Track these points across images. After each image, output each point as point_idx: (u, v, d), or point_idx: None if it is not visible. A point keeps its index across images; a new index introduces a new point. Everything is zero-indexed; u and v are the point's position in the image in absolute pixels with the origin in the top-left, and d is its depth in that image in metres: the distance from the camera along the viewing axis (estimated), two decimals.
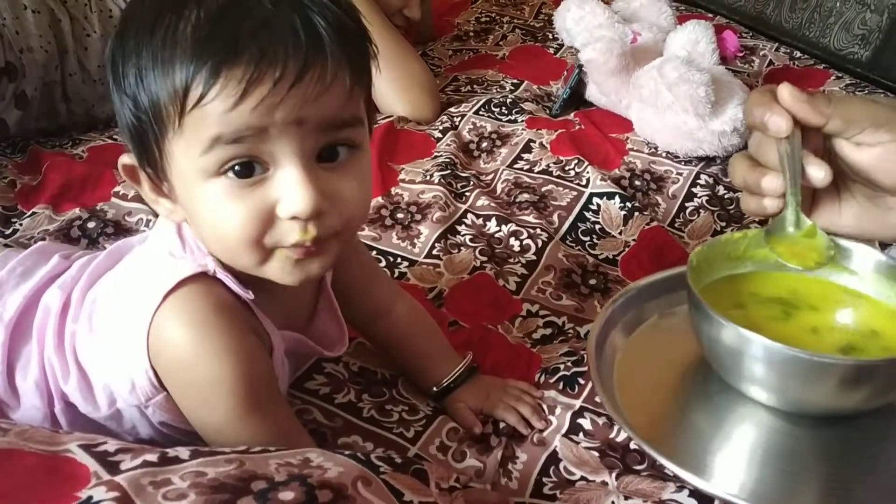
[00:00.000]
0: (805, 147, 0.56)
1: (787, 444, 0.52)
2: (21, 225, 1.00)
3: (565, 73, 1.50)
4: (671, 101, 1.20)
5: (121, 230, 1.01)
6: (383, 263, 0.99)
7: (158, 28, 0.53)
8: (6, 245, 0.93)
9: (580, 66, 1.34)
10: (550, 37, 1.73)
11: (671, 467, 0.50)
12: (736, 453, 0.54)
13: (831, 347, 0.52)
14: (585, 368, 0.82)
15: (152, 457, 0.52)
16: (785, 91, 0.56)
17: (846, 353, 0.51)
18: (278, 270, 0.58)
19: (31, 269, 0.71)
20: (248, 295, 0.60)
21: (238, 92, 0.51)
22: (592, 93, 1.38)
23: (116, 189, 1.07)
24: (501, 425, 0.77)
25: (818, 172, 0.55)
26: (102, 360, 0.64)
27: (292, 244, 0.56)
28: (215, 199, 0.55)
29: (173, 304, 0.58)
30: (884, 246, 1.01)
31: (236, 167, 0.54)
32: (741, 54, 1.49)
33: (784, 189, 0.56)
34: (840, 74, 1.48)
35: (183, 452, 0.53)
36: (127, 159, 0.60)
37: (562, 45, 1.67)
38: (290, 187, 0.54)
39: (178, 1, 0.53)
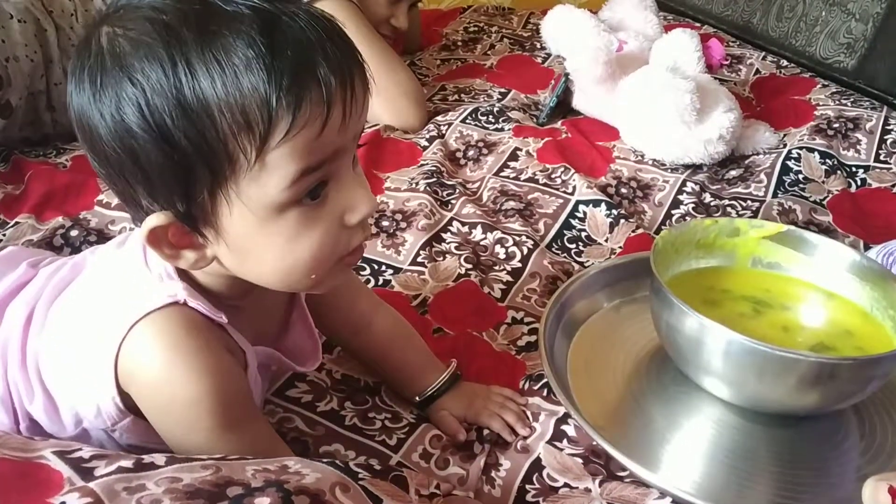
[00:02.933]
0: None
1: (743, 441, 0.51)
2: (5, 235, 0.99)
3: (552, 81, 1.51)
4: (657, 109, 1.20)
5: (104, 238, 1.00)
6: (368, 271, 0.98)
7: (198, 45, 0.48)
8: None
9: (566, 75, 1.34)
10: (538, 46, 1.74)
11: (620, 459, 0.49)
12: (689, 448, 0.52)
13: (803, 346, 0.51)
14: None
15: (127, 463, 0.51)
16: None
17: (818, 352, 0.50)
18: (334, 278, 0.59)
19: None
20: (221, 319, 0.59)
21: (321, 117, 0.50)
22: (579, 101, 1.39)
23: (100, 197, 1.07)
24: (485, 432, 0.77)
25: None
26: (67, 382, 0.62)
27: (357, 246, 0.58)
28: (291, 229, 0.54)
29: (143, 332, 0.56)
30: (866, 247, 1.01)
31: (311, 192, 0.53)
32: (727, 62, 1.50)
33: None
34: (826, 83, 1.49)
35: (159, 458, 0.53)
36: (159, 220, 0.53)
37: (549, 55, 1.68)
38: (355, 195, 0.56)
39: (205, 15, 0.49)
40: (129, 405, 0.59)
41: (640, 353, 0.55)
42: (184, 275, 0.59)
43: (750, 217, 1.12)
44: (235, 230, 0.54)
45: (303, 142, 0.50)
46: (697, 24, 1.83)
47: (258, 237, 0.54)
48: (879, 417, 0.51)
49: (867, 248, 1.05)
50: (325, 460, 0.58)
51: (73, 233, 1.00)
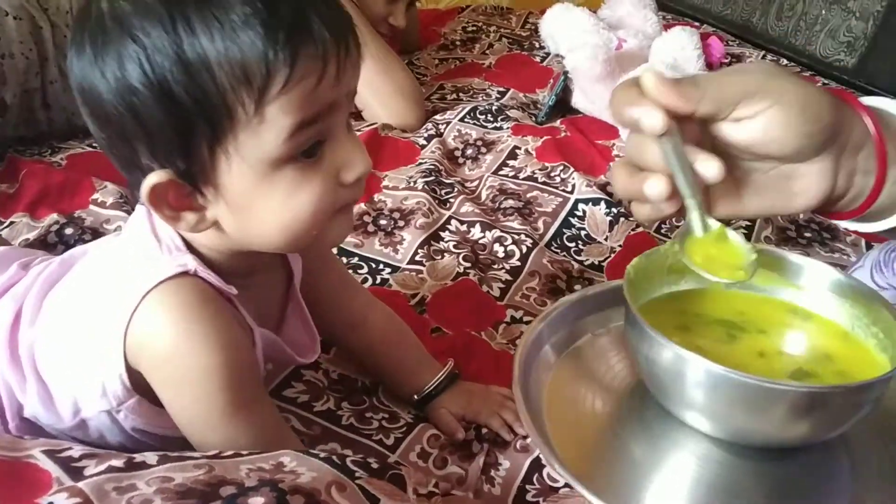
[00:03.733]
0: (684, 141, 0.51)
1: (730, 477, 0.47)
2: (0, 234, 0.98)
3: (551, 80, 1.50)
4: None
5: (98, 237, 0.99)
6: (365, 270, 0.98)
7: (197, 3, 0.49)
8: None
9: (566, 73, 1.33)
10: (537, 45, 1.73)
11: None
12: (674, 488, 0.48)
13: (781, 373, 0.47)
14: None
15: (118, 462, 0.50)
16: (648, 79, 0.50)
17: (797, 379, 0.46)
18: (337, 229, 0.59)
19: None
20: (231, 290, 0.59)
21: (318, 71, 0.51)
22: (578, 99, 1.38)
23: (95, 196, 1.06)
24: (484, 431, 0.76)
25: (709, 168, 0.50)
26: (68, 366, 0.62)
27: (353, 200, 0.59)
28: (289, 184, 0.54)
29: (156, 300, 0.56)
30: (868, 246, 1.01)
31: (308, 148, 0.54)
32: (726, 60, 1.49)
33: (669, 191, 0.50)
34: (826, 82, 1.48)
35: (150, 458, 0.52)
36: (160, 177, 0.53)
37: (548, 54, 1.67)
38: (351, 153, 0.56)
39: None
40: (136, 384, 0.59)
41: (620, 386, 0.51)
42: (192, 249, 0.59)
43: (746, 223, 1.11)
44: (234, 187, 0.54)
45: (299, 95, 0.51)
46: (697, 24, 1.82)
47: (256, 193, 0.55)
48: (867, 441, 0.49)
49: (868, 246, 1.04)
50: (322, 455, 0.57)
51: (68, 231, 0.99)
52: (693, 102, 0.50)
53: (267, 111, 0.51)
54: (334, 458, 0.57)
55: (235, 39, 0.49)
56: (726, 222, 0.52)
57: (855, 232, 0.59)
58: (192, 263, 0.57)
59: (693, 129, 0.53)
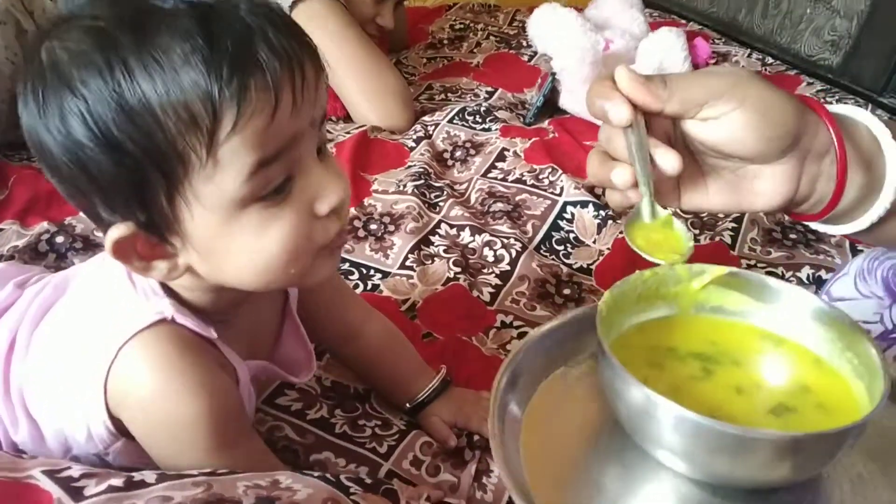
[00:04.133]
0: (654, 134, 0.54)
1: None
2: None
3: (539, 80, 1.51)
4: None
5: (89, 245, 1.00)
6: (356, 276, 0.98)
7: (135, 48, 0.47)
8: None
9: (553, 75, 1.34)
10: (524, 44, 1.74)
11: None
12: None
13: (761, 409, 0.46)
14: None
15: (118, 481, 0.51)
16: (621, 76, 0.54)
17: (778, 415, 0.46)
18: (321, 269, 0.57)
19: None
20: (210, 334, 0.58)
21: (270, 104, 0.48)
22: (566, 100, 1.39)
23: None
24: (476, 438, 0.77)
25: (667, 161, 0.53)
26: (55, 408, 0.61)
27: (335, 235, 0.56)
28: (257, 225, 0.52)
29: (133, 352, 0.55)
30: (853, 250, 1.02)
31: (275, 187, 0.52)
32: (713, 61, 1.50)
33: (633, 180, 0.53)
34: (811, 80, 1.49)
35: (149, 476, 0.52)
36: (121, 231, 0.51)
37: (535, 53, 1.67)
38: (324, 182, 0.54)
39: (138, 17, 0.48)
40: (120, 428, 0.58)
41: (595, 422, 0.49)
42: (170, 292, 0.58)
43: (732, 224, 1.12)
44: (200, 234, 0.52)
45: (253, 132, 0.49)
46: (683, 21, 1.83)
47: (224, 238, 0.52)
48: (849, 475, 0.48)
49: (854, 251, 1.06)
50: (316, 474, 0.58)
51: (59, 239, 0.99)
52: (661, 101, 0.53)
53: (221, 152, 0.49)
54: (328, 475, 0.58)
55: (177, 79, 0.47)
56: (696, 215, 0.54)
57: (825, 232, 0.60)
58: (168, 310, 0.56)
59: (664, 125, 0.56)
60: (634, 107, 0.52)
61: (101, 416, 0.57)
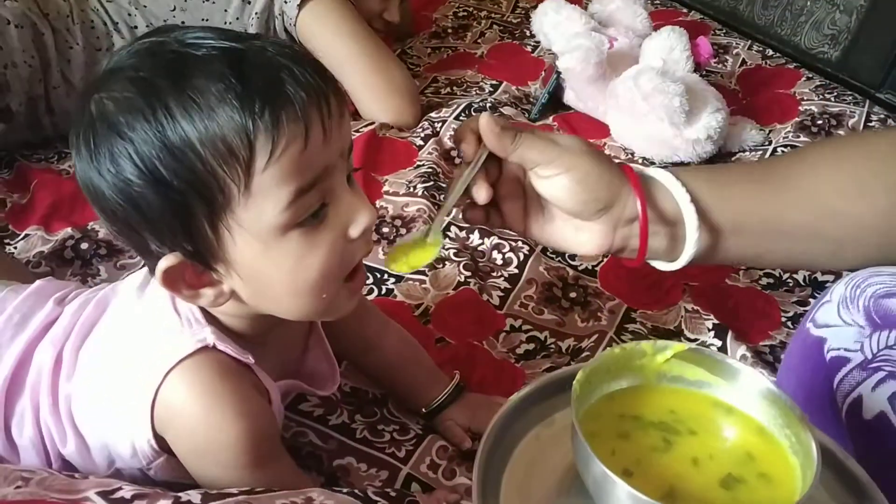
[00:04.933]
0: (509, 172, 0.69)
1: None
2: (16, 248, 1.02)
3: (543, 73, 1.53)
4: (647, 111, 1.23)
5: (113, 251, 1.03)
6: (371, 280, 1.02)
7: (174, 92, 0.52)
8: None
9: (558, 73, 1.37)
10: (528, 33, 1.75)
11: None
12: None
13: (713, 481, 0.50)
14: None
15: (167, 502, 0.55)
16: (482, 121, 0.65)
17: (728, 488, 0.50)
18: (344, 303, 0.62)
19: (28, 317, 0.70)
20: (248, 360, 0.62)
21: (302, 135, 0.53)
22: (570, 98, 1.41)
23: None
24: None
25: (478, 192, 0.67)
26: (101, 424, 0.65)
27: (359, 265, 0.62)
28: (297, 249, 0.56)
29: (179, 379, 0.59)
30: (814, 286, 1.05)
31: (312, 213, 0.56)
32: (714, 60, 1.52)
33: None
34: (810, 75, 1.52)
35: (195, 497, 0.56)
36: (170, 261, 0.56)
37: (539, 44, 1.69)
38: (355, 207, 0.59)
39: (176, 65, 0.53)
40: (163, 446, 0.63)
41: (569, 481, 0.54)
42: (210, 318, 0.62)
43: None
44: (243, 259, 0.57)
45: (289, 161, 0.53)
46: (685, 11, 1.85)
47: (265, 262, 0.57)
48: None
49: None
50: (345, 490, 0.62)
51: (84, 245, 1.03)
52: (505, 151, 0.66)
53: (260, 182, 0.53)
54: (356, 491, 0.62)
55: (214, 116, 0.51)
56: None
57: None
58: (210, 338, 0.60)
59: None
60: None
61: (147, 435, 0.62)
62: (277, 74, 0.53)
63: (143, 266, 0.65)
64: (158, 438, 0.62)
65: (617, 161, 0.71)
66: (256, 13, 1.35)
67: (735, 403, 0.55)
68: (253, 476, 0.62)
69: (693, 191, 0.69)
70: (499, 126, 0.65)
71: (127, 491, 0.56)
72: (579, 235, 0.71)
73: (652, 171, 0.71)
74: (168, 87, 0.52)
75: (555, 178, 0.66)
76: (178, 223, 0.54)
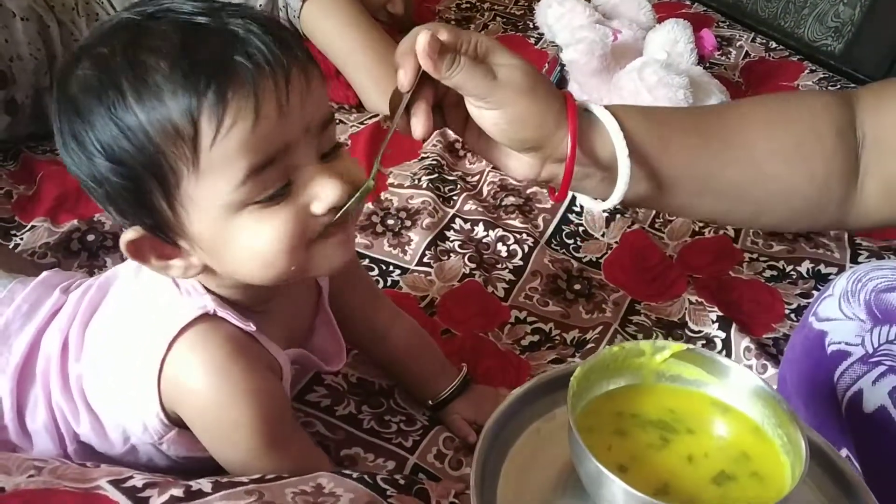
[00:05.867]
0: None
1: None
2: (22, 239, 1.02)
3: (546, 65, 1.53)
4: (651, 103, 1.23)
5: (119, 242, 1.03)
6: (376, 272, 1.02)
7: (126, 71, 0.52)
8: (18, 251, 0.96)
9: (562, 66, 1.37)
10: (531, 25, 1.75)
11: None
12: None
13: (705, 477, 0.51)
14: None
15: (178, 491, 0.56)
16: (420, 41, 0.62)
17: (719, 484, 0.51)
18: (322, 263, 0.60)
19: (35, 306, 0.71)
20: (250, 327, 0.62)
21: (251, 111, 0.51)
22: (574, 90, 1.41)
23: None
24: None
25: (415, 126, 0.67)
26: (112, 401, 0.66)
27: (335, 226, 0.58)
28: (252, 226, 0.55)
29: (184, 351, 0.60)
30: (817, 279, 1.05)
31: (272, 193, 0.55)
32: (718, 53, 1.52)
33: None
34: (814, 67, 1.52)
35: (205, 485, 0.57)
36: (131, 234, 0.57)
37: (542, 36, 1.69)
38: (321, 185, 0.56)
39: (133, 42, 0.53)
40: (173, 419, 0.64)
41: (565, 474, 0.54)
42: (208, 290, 0.62)
43: None
44: (202, 234, 0.56)
45: (237, 139, 0.52)
46: (688, 2, 1.85)
47: (223, 238, 0.56)
48: None
49: (853, 245, 1.10)
50: (354, 475, 0.63)
51: (90, 238, 1.03)
52: (440, 75, 0.63)
53: (208, 160, 0.52)
54: (366, 477, 0.63)
55: (160, 96, 0.51)
56: None
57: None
58: (210, 304, 0.61)
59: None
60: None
61: (155, 409, 0.63)
62: (231, 47, 0.52)
63: None
64: (168, 412, 0.63)
65: (562, 91, 0.70)
66: (261, 5, 1.35)
67: (731, 402, 0.56)
68: (269, 457, 0.63)
69: (633, 137, 0.69)
70: (436, 50, 0.62)
71: (138, 479, 0.57)
72: (509, 161, 0.72)
73: (597, 111, 0.70)
74: (121, 67, 0.52)
75: (486, 111, 0.66)
76: (135, 200, 0.55)
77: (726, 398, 0.56)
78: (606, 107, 0.71)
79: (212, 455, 0.65)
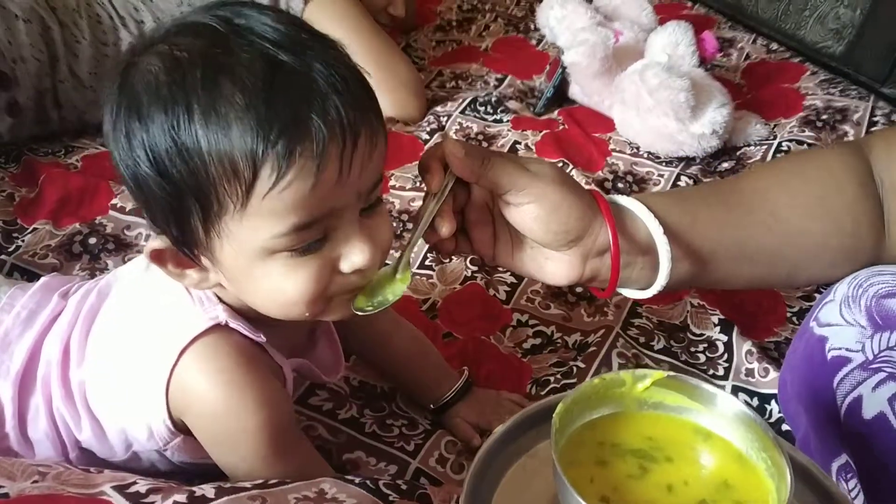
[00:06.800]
0: (476, 196, 0.65)
1: None
2: (23, 241, 1.02)
3: (548, 66, 1.53)
4: (652, 105, 1.23)
5: (121, 245, 1.04)
6: None
7: (200, 90, 0.50)
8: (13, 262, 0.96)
9: (564, 68, 1.37)
10: (532, 27, 1.75)
11: None
12: None
13: None
14: (575, 380, 0.87)
15: (181, 497, 0.56)
16: (448, 145, 0.61)
17: None
18: (335, 312, 0.61)
19: (35, 312, 0.71)
20: (260, 338, 0.63)
21: (313, 173, 0.51)
22: (575, 92, 1.42)
23: (114, 202, 1.10)
24: None
25: (441, 227, 0.62)
26: (116, 407, 0.66)
27: (353, 290, 0.60)
28: (278, 272, 0.55)
29: (195, 360, 0.60)
30: None
31: (306, 246, 0.55)
32: (720, 55, 1.52)
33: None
34: (815, 69, 1.52)
35: (209, 491, 0.57)
36: (158, 243, 0.57)
37: (544, 37, 1.69)
38: (353, 246, 0.56)
39: (214, 60, 0.51)
40: (179, 427, 0.64)
41: None
42: (219, 299, 0.63)
43: None
44: (228, 263, 0.57)
45: (292, 197, 0.51)
46: (689, 4, 1.85)
47: (249, 274, 0.56)
48: None
49: None
50: (357, 480, 0.63)
51: (91, 240, 1.03)
52: (474, 176, 0.62)
53: (257, 206, 0.52)
54: (368, 482, 0.63)
55: (228, 131, 0.50)
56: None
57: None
58: (222, 315, 0.61)
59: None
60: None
61: (162, 416, 0.63)
62: (308, 103, 0.50)
63: None
64: (174, 419, 0.63)
65: (588, 187, 0.69)
66: None
67: (714, 429, 0.55)
68: (274, 466, 0.63)
69: (664, 220, 0.67)
70: (464, 150, 0.61)
71: (142, 485, 0.57)
72: (548, 265, 0.68)
73: (623, 200, 0.69)
74: (197, 84, 0.50)
75: (525, 206, 0.63)
76: (173, 215, 0.55)
77: (709, 424, 0.55)
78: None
79: (216, 462, 0.65)
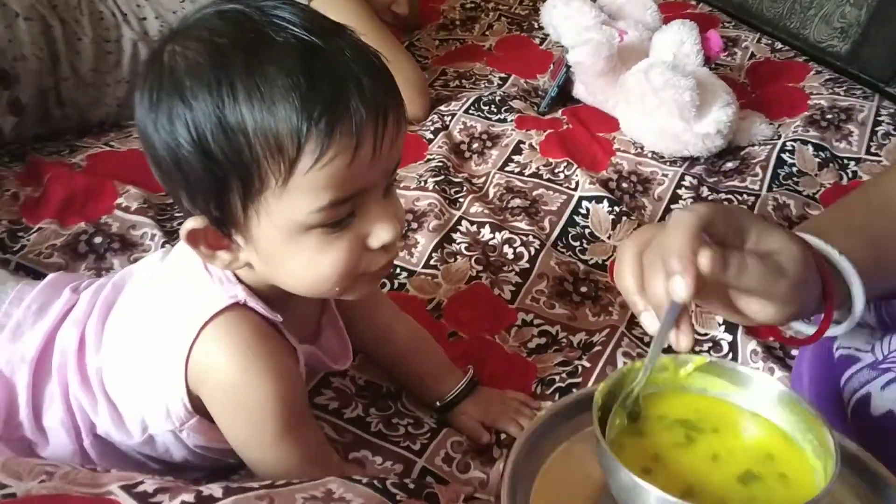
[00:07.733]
0: None
1: None
2: (29, 240, 1.02)
3: (552, 65, 1.53)
4: (657, 105, 1.23)
5: (126, 244, 1.04)
6: None
7: (244, 71, 0.52)
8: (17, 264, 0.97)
9: (568, 67, 1.37)
10: (536, 26, 1.75)
11: None
12: None
13: (730, 476, 0.51)
14: (580, 380, 0.87)
15: (189, 496, 0.55)
16: (704, 260, 0.50)
17: (745, 483, 0.50)
18: (359, 290, 0.64)
19: (46, 305, 0.73)
20: (277, 318, 0.65)
21: (351, 151, 0.54)
22: (580, 91, 1.41)
23: (119, 201, 1.09)
24: (503, 436, 0.82)
25: (682, 340, 0.53)
26: (134, 390, 0.67)
27: (381, 267, 0.62)
28: (314, 248, 0.58)
29: (214, 334, 0.62)
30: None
31: (338, 220, 0.58)
32: (725, 54, 1.52)
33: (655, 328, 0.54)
34: (820, 69, 1.51)
35: (216, 490, 0.57)
36: (195, 223, 0.59)
37: (547, 36, 1.69)
38: (381, 222, 0.59)
39: (254, 44, 0.53)
40: (196, 406, 0.65)
41: (596, 492, 0.55)
42: (238, 279, 0.64)
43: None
44: (264, 240, 0.59)
45: (332, 172, 0.54)
46: (694, 2, 1.84)
47: (284, 250, 0.59)
48: None
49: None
50: (364, 480, 0.63)
51: (97, 240, 1.03)
52: (735, 281, 0.53)
53: (298, 182, 0.54)
54: (375, 482, 0.63)
55: (273, 110, 0.52)
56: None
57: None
58: (241, 294, 0.63)
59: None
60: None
61: (180, 393, 0.64)
62: (345, 84, 0.54)
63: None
64: (192, 397, 0.64)
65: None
66: None
67: (759, 411, 0.55)
68: (283, 441, 0.64)
69: (855, 264, 0.61)
70: (718, 261, 0.51)
71: (149, 485, 0.57)
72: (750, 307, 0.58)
73: (834, 256, 0.61)
74: (239, 66, 0.53)
75: (755, 299, 0.56)
76: (213, 194, 0.57)
77: (753, 407, 0.56)
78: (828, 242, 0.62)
79: (227, 439, 0.66)
